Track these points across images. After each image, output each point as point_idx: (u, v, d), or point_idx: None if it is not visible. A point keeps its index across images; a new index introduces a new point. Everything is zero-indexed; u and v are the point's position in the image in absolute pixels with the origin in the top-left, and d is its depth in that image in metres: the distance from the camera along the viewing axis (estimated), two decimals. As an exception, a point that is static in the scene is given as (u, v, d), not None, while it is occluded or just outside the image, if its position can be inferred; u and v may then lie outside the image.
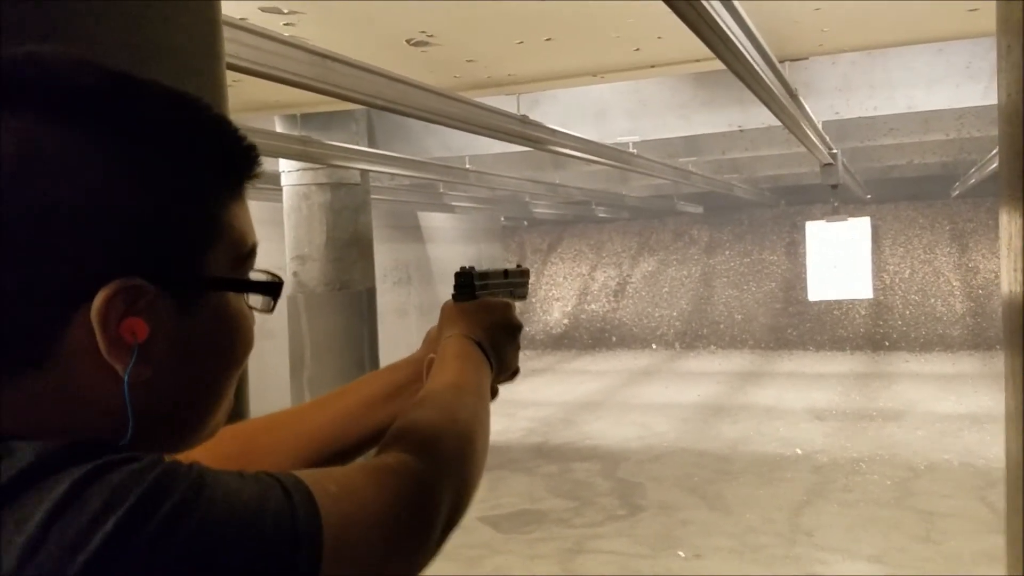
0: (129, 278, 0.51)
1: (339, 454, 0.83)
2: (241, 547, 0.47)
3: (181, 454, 0.54)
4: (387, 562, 0.58)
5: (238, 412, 0.94)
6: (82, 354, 0.51)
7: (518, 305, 1.01)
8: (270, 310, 0.62)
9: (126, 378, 0.51)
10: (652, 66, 4.26)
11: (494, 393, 0.90)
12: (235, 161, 0.59)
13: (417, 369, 0.90)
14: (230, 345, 0.58)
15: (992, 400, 8.44)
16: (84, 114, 0.51)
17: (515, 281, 1.03)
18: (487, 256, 14.68)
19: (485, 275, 0.96)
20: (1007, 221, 1.46)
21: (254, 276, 0.61)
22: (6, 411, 0.50)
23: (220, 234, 0.56)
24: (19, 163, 0.49)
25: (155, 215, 0.52)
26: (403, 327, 11.92)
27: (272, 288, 0.61)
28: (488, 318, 0.91)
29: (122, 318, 0.51)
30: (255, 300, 0.61)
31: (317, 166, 5.63)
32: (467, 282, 0.93)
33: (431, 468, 0.64)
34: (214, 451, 0.65)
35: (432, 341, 0.92)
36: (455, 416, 0.74)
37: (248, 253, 0.59)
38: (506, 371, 0.93)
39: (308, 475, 0.55)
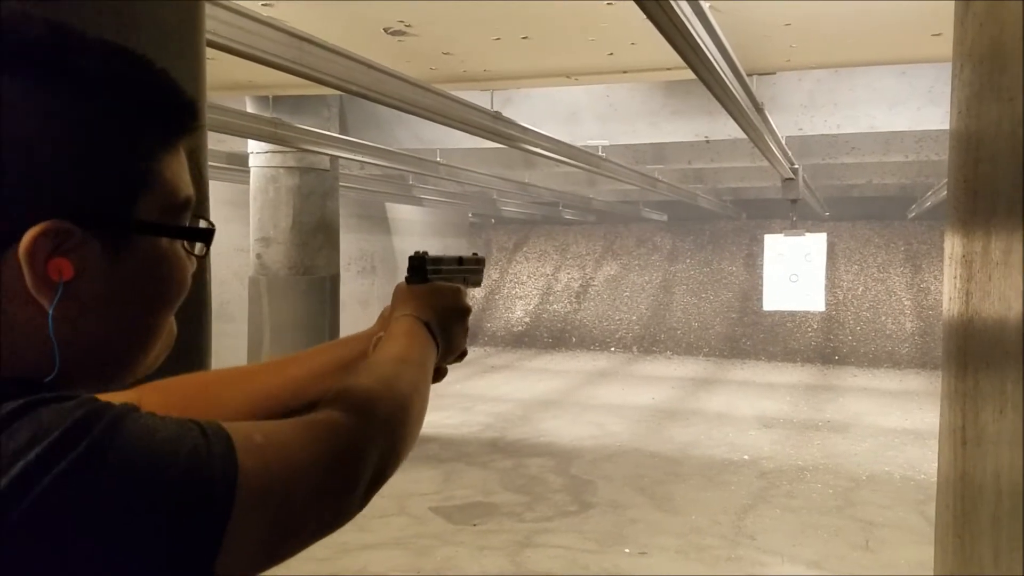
0: (57, 221, 0.54)
1: (284, 417, 0.86)
2: (151, 485, 0.50)
3: (116, 395, 0.57)
4: (307, 511, 0.61)
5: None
6: (12, 291, 0.54)
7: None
8: (202, 255, 0.65)
9: (51, 312, 0.55)
10: (624, 71, 4.33)
11: (443, 372, 0.95)
12: (170, 114, 0.61)
13: (368, 344, 0.93)
14: (159, 288, 0.61)
15: (935, 417, 8.64)
16: (22, 63, 0.53)
17: (469, 268, 1.05)
18: (453, 251, 14.67)
19: (438, 260, 0.99)
20: (950, 240, 1.52)
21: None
22: None
23: (151, 183, 0.59)
24: None
25: (85, 162, 0.55)
26: (365, 317, 11.87)
27: (199, 234, 0.64)
28: (438, 301, 0.94)
29: (49, 257, 0.54)
30: (194, 247, 0.64)
31: (286, 149, 5.60)
32: (420, 266, 0.96)
33: (360, 427, 0.67)
34: (166, 399, 0.68)
35: (385, 319, 0.96)
36: (392, 385, 0.76)
37: (182, 204, 0.62)
38: (453, 352, 0.96)
39: (235, 425, 0.57)
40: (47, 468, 0.47)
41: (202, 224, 0.65)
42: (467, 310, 0.98)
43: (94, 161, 0.56)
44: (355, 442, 0.66)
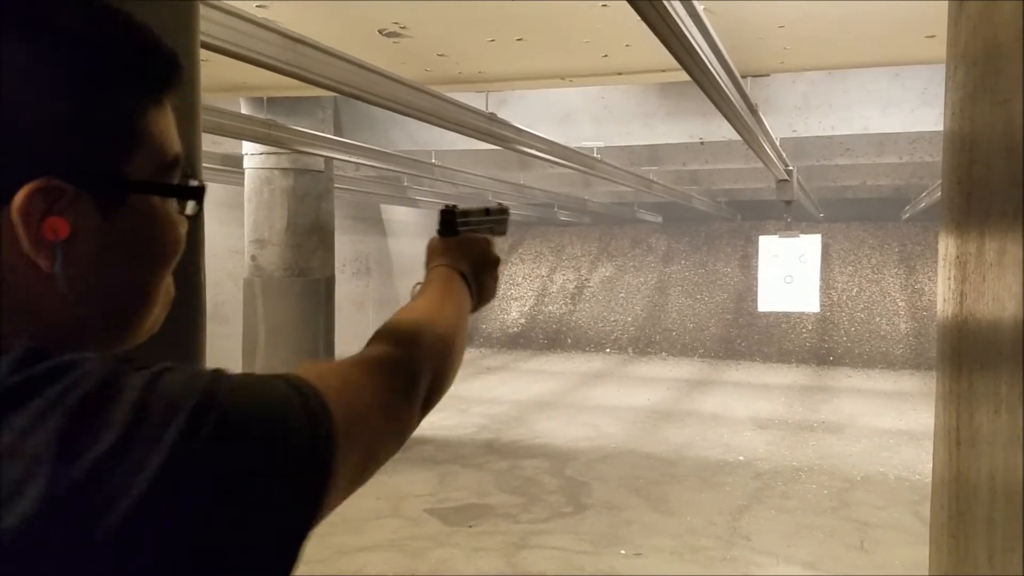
0: (49, 179, 0.53)
1: None
2: (270, 440, 0.54)
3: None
4: (381, 440, 0.68)
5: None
6: (10, 255, 0.54)
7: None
8: (194, 214, 0.65)
9: (58, 271, 0.54)
10: (619, 73, 4.33)
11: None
12: (155, 68, 0.60)
13: None
14: (153, 248, 0.61)
15: (930, 418, 8.64)
16: (4, 21, 0.53)
17: (495, 219, 1.14)
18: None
19: (467, 213, 1.07)
20: (945, 241, 1.52)
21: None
22: None
23: (139, 139, 0.58)
24: None
25: (73, 118, 0.55)
26: (360, 319, 11.86)
27: (190, 192, 0.63)
28: (470, 252, 1.03)
29: (43, 217, 0.53)
30: (184, 206, 0.64)
31: (281, 150, 5.59)
32: (450, 220, 1.04)
33: (411, 359, 0.76)
34: None
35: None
36: (435, 320, 0.85)
37: (171, 161, 0.61)
38: (486, 299, 1.06)
39: (311, 373, 0.62)
40: (195, 433, 0.49)
41: (192, 183, 0.64)
42: (497, 260, 1.07)
43: (81, 117, 0.55)
44: (408, 371, 0.74)
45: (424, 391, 0.76)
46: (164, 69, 0.61)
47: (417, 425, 0.75)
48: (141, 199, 0.59)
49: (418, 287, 0.98)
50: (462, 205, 1.07)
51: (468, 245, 1.03)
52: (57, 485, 0.45)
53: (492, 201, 1.25)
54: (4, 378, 0.48)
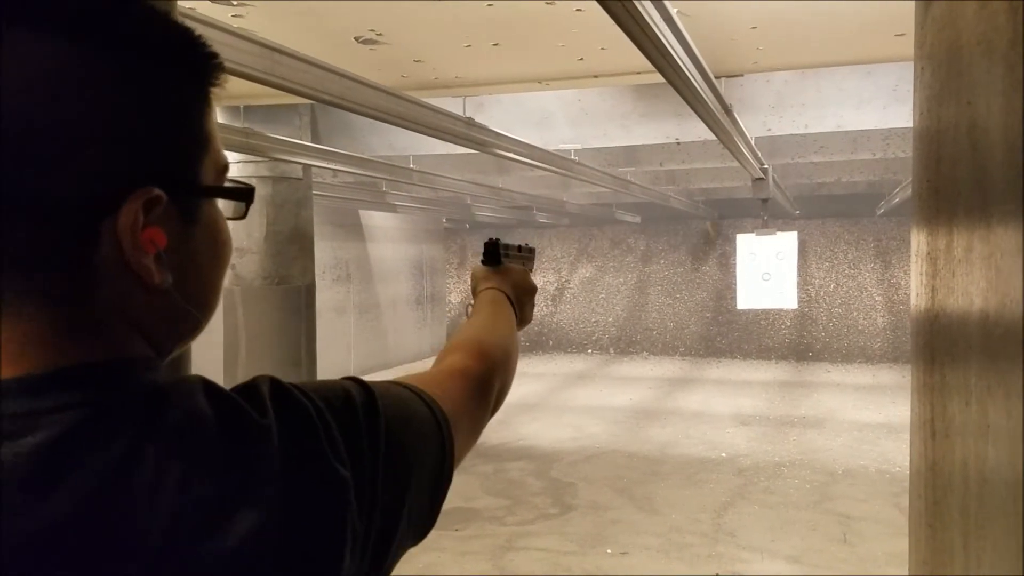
0: (146, 188, 0.53)
1: None
2: (417, 426, 0.69)
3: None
4: (470, 439, 0.82)
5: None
6: (111, 268, 0.53)
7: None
8: (242, 216, 0.66)
9: (164, 280, 0.54)
10: (595, 76, 4.36)
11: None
12: (209, 68, 0.59)
13: None
14: (219, 252, 0.62)
15: (908, 411, 8.81)
16: (88, 32, 0.52)
17: (525, 256, 1.30)
18: (428, 257, 14.65)
19: (507, 247, 1.22)
20: (916, 237, 1.56)
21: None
22: (59, 341, 0.51)
23: (208, 143, 0.59)
24: (41, 83, 0.50)
25: (161, 127, 0.55)
26: (341, 325, 11.82)
27: (250, 195, 0.64)
28: (512, 279, 1.18)
29: (143, 228, 0.53)
30: (229, 209, 0.65)
31: (259, 159, 5.57)
32: (494, 250, 1.19)
33: (486, 367, 0.89)
34: None
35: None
36: (495, 332, 1.01)
37: (225, 165, 0.61)
38: (526, 322, 1.19)
39: (419, 384, 0.75)
40: (374, 437, 0.63)
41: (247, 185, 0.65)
42: (535, 288, 1.22)
43: (166, 125, 0.55)
44: (486, 380, 0.88)
45: (495, 394, 0.91)
46: (215, 67, 0.60)
47: (489, 419, 0.90)
48: (208, 204, 0.60)
49: (470, 307, 1.13)
50: (503, 240, 1.20)
51: (510, 273, 1.18)
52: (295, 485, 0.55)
53: (524, 241, 1.38)
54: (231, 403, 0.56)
